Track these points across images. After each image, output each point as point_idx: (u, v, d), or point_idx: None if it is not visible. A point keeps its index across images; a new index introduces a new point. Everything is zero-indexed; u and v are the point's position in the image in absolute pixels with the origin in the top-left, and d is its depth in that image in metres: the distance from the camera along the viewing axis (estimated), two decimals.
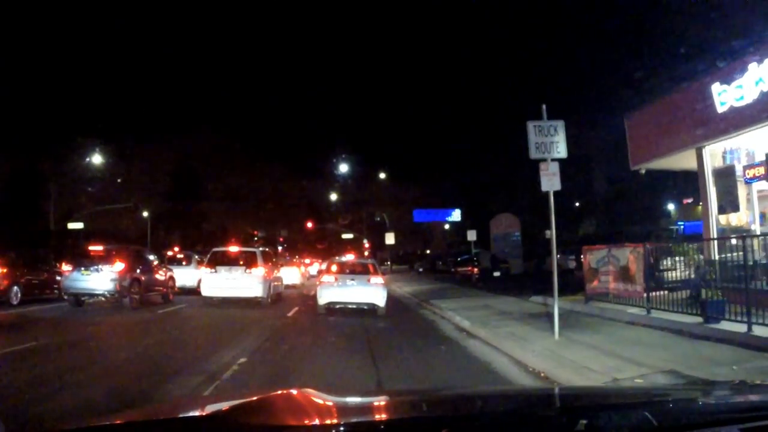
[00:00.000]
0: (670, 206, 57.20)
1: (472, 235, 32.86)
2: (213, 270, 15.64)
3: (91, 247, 16.02)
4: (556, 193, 9.14)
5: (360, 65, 76.08)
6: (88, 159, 35.97)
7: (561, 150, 9.24)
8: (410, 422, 1.81)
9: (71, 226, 40.06)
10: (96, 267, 14.51)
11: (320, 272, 21.90)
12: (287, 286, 23.10)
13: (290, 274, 24.90)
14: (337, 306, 13.96)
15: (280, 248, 61.37)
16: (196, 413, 1.94)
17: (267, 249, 18.44)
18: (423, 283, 28.66)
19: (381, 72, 73.83)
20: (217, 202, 59.91)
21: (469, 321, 11.88)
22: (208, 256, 16.51)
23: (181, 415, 1.91)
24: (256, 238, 63.62)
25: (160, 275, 17.16)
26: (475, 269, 28.42)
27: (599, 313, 11.56)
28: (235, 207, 60.67)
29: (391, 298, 21.19)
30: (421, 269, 45.14)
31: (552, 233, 9.21)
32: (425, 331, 11.54)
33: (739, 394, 2.26)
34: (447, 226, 53.61)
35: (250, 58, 70.80)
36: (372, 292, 13.81)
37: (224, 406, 1.87)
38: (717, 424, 1.71)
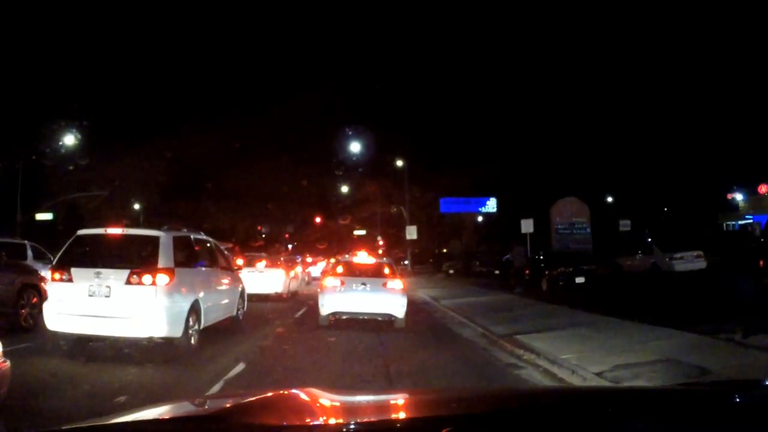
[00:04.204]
0: (738, 196, 48.82)
1: (527, 226, 24.43)
2: (65, 277, 7.31)
3: None
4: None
5: (368, 39, 67.86)
6: (66, 145, 30.45)
7: None
8: (412, 421, 1.77)
9: (39, 217, 35.81)
10: None
11: (324, 274, 17.58)
12: (263, 297, 15.02)
13: (269, 279, 16.44)
14: (344, 317, 11.42)
15: (290, 246, 55.11)
16: (198, 412, 1.91)
17: (201, 235, 9.62)
18: (464, 293, 20.02)
19: (392, 44, 65.57)
20: (219, 195, 53.77)
21: None
22: (63, 248, 8.07)
23: (182, 415, 1.88)
24: (263, 235, 56.79)
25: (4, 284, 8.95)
26: (553, 272, 19.78)
27: None
28: (239, 201, 54.50)
29: (427, 319, 12.62)
30: (451, 271, 36.49)
31: None
32: None
33: (738, 393, 2.10)
34: (480, 218, 44.92)
35: (258, 41, 63.26)
36: (388, 299, 11.18)
37: (226, 404, 1.92)
38: (717, 424, 1.68)
